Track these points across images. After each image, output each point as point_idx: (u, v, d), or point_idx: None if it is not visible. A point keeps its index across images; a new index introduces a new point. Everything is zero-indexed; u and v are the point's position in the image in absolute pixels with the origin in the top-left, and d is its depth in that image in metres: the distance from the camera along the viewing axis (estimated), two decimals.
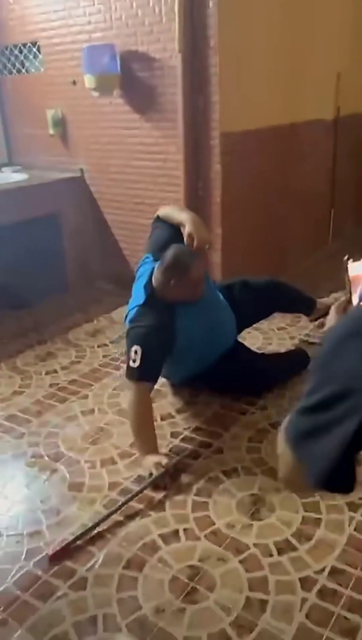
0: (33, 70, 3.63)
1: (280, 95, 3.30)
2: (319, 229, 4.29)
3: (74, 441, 2.13)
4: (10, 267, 3.19)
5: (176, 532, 1.66)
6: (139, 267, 2.34)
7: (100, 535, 1.67)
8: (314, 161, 3.94)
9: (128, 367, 2.01)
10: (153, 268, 2.19)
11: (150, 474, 1.84)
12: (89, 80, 3.05)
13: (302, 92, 3.53)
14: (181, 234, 2.21)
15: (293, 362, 2.52)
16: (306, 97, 3.59)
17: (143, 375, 1.98)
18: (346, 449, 0.66)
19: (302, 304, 2.74)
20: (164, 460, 1.87)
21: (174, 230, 2.27)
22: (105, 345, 2.91)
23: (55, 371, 2.67)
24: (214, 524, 1.69)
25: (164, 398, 2.39)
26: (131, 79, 3.09)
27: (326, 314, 2.78)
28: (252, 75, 3.03)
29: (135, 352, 1.96)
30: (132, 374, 1.99)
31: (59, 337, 3.04)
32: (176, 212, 2.32)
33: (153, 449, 1.95)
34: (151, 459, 1.88)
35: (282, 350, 2.73)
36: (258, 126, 3.20)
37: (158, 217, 2.37)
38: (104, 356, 2.79)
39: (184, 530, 1.67)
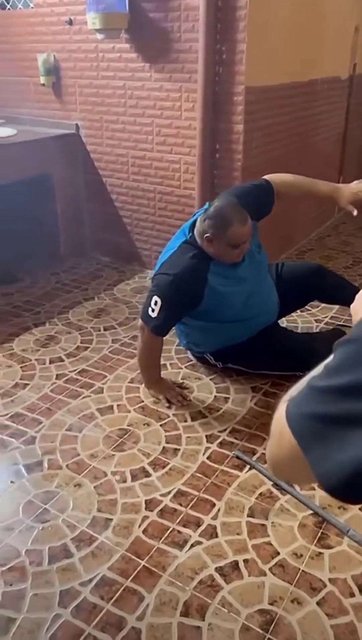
0: (20, 5, 3.14)
1: (299, 47, 2.95)
2: None
3: (96, 447, 1.84)
4: None
5: (236, 565, 1.42)
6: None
7: (145, 570, 1.41)
8: (329, 123, 3.63)
9: (146, 311, 1.95)
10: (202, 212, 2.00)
11: (167, 399, 2.04)
12: (92, 20, 2.61)
13: (320, 45, 3.18)
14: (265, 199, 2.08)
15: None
16: (324, 51, 3.25)
17: (157, 329, 1.96)
18: None
19: (346, 294, 2.49)
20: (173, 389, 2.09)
21: (262, 190, 2.09)
22: (114, 328, 2.59)
23: (61, 359, 2.34)
24: (278, 553, 1.45)
25: (190, 394, 2.11)
26: (141, 19, 2.67)
27: None
28: (276, 24, 2.67)
29: (156, 302, 1.91)
30: (147, 321, 1.95)
31: (57, 317, 2.70)
32: (307, 180, 2.15)
33: (158, 378, 2.12)
34: (160, 387, 2.09)
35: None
36: (279, 82, 2.85)
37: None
38: (113, 341, 2.48)
39: (245, 562, 1.43)
